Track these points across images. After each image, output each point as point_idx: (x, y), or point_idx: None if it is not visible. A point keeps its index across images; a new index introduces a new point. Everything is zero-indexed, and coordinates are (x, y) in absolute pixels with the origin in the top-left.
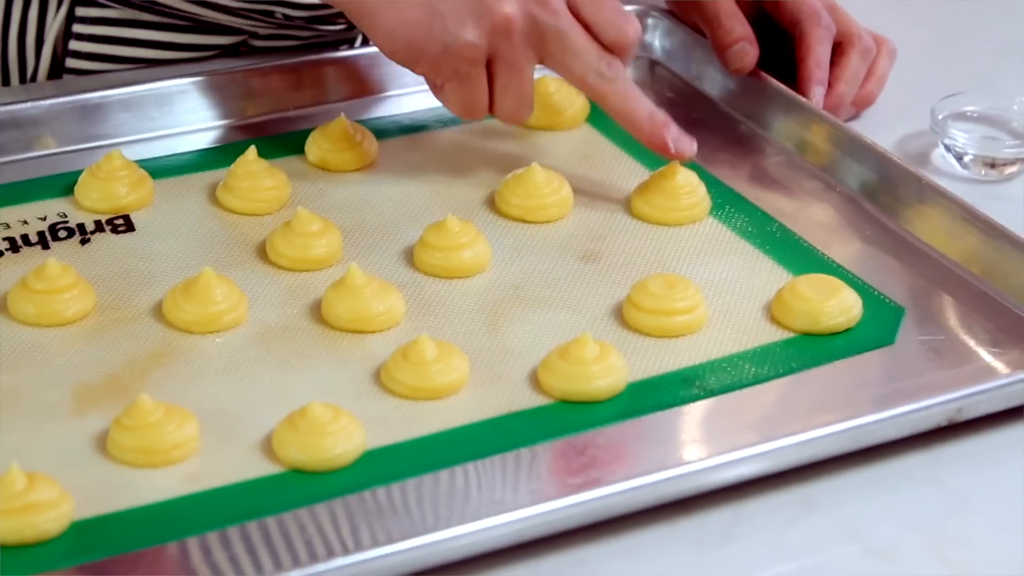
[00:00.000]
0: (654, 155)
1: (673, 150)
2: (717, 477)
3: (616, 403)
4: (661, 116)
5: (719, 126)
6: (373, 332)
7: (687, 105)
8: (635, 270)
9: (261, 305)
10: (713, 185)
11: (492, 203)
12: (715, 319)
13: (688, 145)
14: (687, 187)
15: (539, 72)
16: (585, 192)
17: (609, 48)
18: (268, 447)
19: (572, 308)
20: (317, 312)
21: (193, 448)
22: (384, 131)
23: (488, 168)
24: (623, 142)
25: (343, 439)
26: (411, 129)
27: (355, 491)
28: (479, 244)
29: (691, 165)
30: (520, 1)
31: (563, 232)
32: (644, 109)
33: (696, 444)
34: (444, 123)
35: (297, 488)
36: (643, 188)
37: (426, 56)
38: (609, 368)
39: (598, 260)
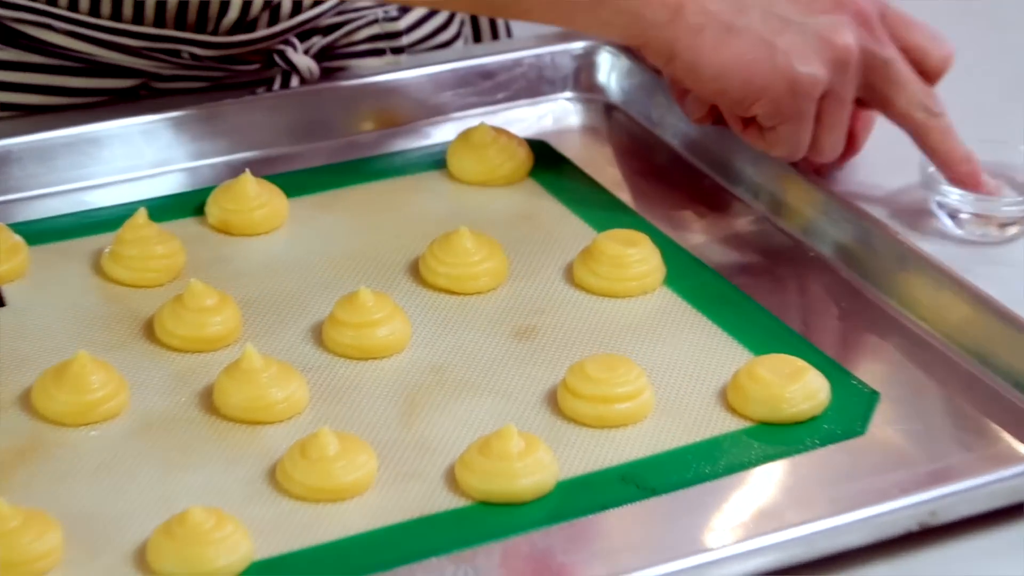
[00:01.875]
0: (604, 215)
1: (978, 186)
2: None
3: (543, 504)
4: (975, 156)
5: (681, 180)
6: (271, 423)
7: (646, 155)
8: (574, 349)
9: (145, 392)
10: (669, 249)
11: (415, 271)
12: (661, 406)
13: (995, 187)
14: (638, 254)
15: (476, 118)
16: (523, 258)
17: (927, 75)
18: (142, 558)
19: (500, 394)
20: (208, 400)
21: (55, 560)
22: (295, 188)
23: (412, 230)
24: (571, 200)
25: (227, 549)
26: (325, 185)
27: None
28: (396, 320)
29: (645, 226)
30: (855, 30)
31: (495, 305)
32: (963, 148)
33: (631, 552)
34: (362, 179)
35: None
36: (587, 254)
37: (768, 94)
38: (535, 464)
39: (533, 338)
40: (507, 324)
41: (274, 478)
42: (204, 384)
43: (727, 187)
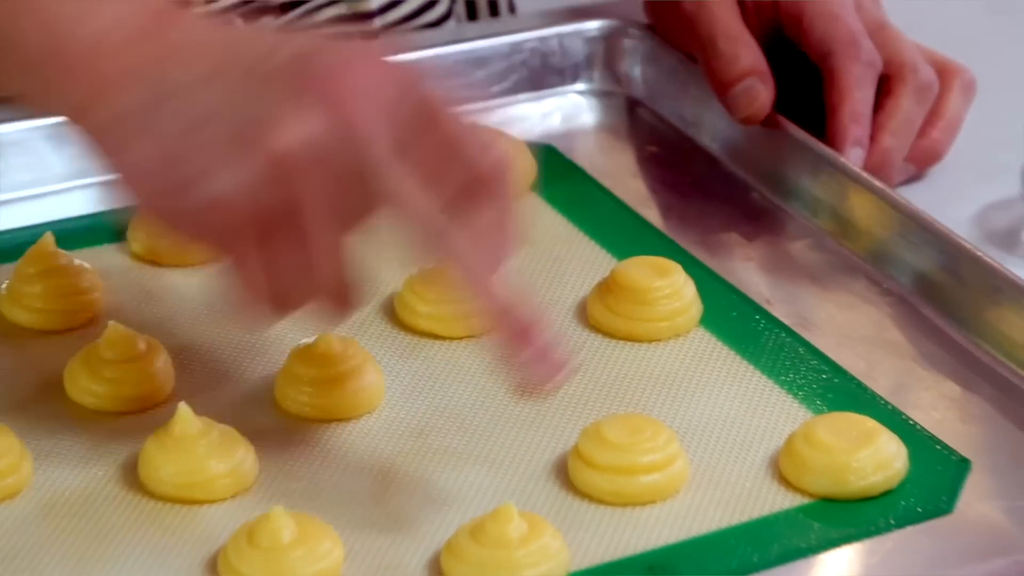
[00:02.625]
0: (626, 239)
1: (538, 370)
2: None
3: None
4: (525, 303)
5: (721, 193)
6: (211, 502)
7: (678, 162)
8: (588, 408)
9: (52, 465)
10: (706, 281)
11: (390, 311)
12: (697, 479)
13: (559, 372)
14: (667, 287)
15: None
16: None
17: (457, 192)
18: None
19: (496, 464)
20: (133, 474)
21: None
22: None
23: (385, 260)
24: (584, 219)
25: None
26: None
27: None
28: (368, 372)
29: (676, 252)
30: (306, 122)
31: (489, 352)
32: (500, 288)
33: None
34: None
35: None
36: (605, 288)
37: (179, 216)
38: (541, 553)
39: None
40: (504, 376)
41: (215, 572)
42: (127, 454)
43: (779, 203)
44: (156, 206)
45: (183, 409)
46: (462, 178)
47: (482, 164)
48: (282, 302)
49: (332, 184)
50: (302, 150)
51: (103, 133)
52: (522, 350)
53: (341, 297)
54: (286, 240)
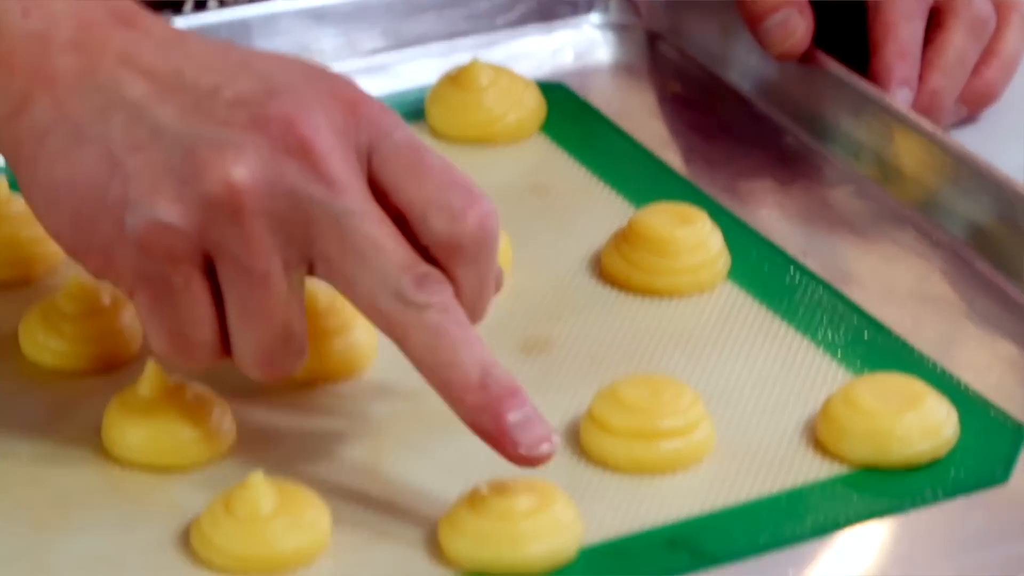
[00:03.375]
0: (645, 185)
1: (519, 446)
2: None
3: None
4: (502, 378)
5: (751, 136)
6: (182, 470)
7: (704, 102)
8: (603, 368)
9: (6, 428)
10: (735, 230)
11: None
12: (724, 445)
13: (545, 445)
14: (692, 236)
15: (466, 53)
16: (532, 244)
17: (434, 248)
18: None
19: None
20: (95, 438)
21: None
22: None
23: None
24: (599, 163)
25: None
26: None
27: None
28: (356, 329)
29: (701, 199)
30: (263, 155)
31: (493, 305)
32: (473, 361)
33: None
34: None
35: None
36: (622, 238)
37: (95, 243)
38: (550, 525)
39: (547, 352)
40: (510, 334)
41: (188, 544)
42: (90, 417)
43: (817, 147)
44: (76, 228)
45: (152, 367)
46: (443, 232)
47: (467, 220)
48: (210, 351)
49: (290, 226)
50: (261, 184)
51: (38, 137)
52: (509, 416)
53: (280, 353)
54: (224, 278)
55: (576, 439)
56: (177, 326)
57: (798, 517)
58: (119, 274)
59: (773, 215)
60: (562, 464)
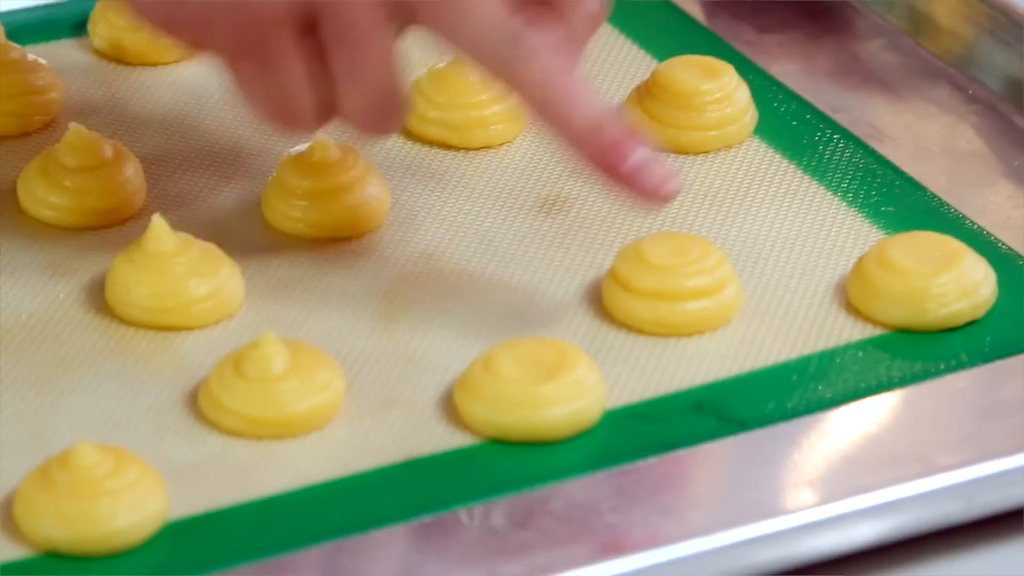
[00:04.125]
0: (667, 37)
1: (647, 181)
2: (747, 561)
3: (584, 444)
4: (618, 115)
5: None
6: (189, 329)
7: None
8: (624, 227)
9: (6, 285)
10: (762, 85)
11: None
12: (752, 306)
13: (674, 180)
14: (718, 90)
15: None
16: None
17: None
18: (6, 516)
19: (518, 289)
20: (99, 296)
21: None
22: None
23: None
24: (617, 15)
25: (129, 503)
26: None
27: None
28: (370, 184)
29: (726, 52)
30: None
31: (510, 164)
32: (590, 102)
33: (709, 508)
34: None
35: None
36: (644, 92)
37: (190, 15)
38: (572, 387)
39: (566, 210)
40: (527, 191)
41: (196, 406)
42: (92, 274)
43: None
44: (165, 2)
45: (157, 222)
46: None
47: None
48: (314, 114)
49: None
50: None
51: None
52: (625, 161)
53: (388, 107)
54: (330, 42)
55: (598, 300)
56: (280, 92)
57: (830, 380)
58: (217, 43)
59: (801, 70)
60: (583, 325)
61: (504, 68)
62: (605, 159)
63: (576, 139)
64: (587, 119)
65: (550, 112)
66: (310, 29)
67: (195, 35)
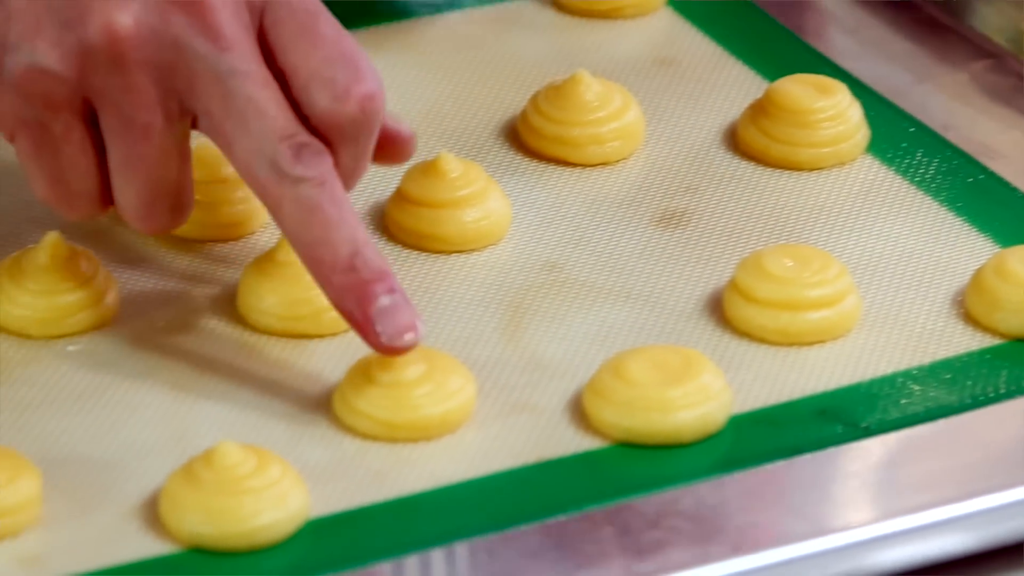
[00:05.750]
0: (777, 58)
1: (380, 334)
2: (874, 560)
3: (712, 447)
4: (372, 260)
5: (888, 8)
6: (319, 336)
7: None
8: (742, 240)
9: (138, 294)
10: (873, 104)
11: (511, 134)
12: (871, 317)
13: (408, 335)
14: (831, 107)
15: None
16: (664, 115)
17: (315, 122)
18: (153, 514)
19: (641, 299)
20: (229, 305)
21: (32, 516)
22: (346, 19)
23: (505, 78)
24: (726, 36)
25: (272, 501)
26: (377, 17)
27: None
28: (492, 198)
29: (836, 72)
30: (150, 5)
31: (628, 179)
32: (343, 240)
33: (841, 510)
34: (430, 8)
35: None
36: (759, 109)
37: None
38: (699, 392)
39: (684, 224)
40: (645, 206)
41: (330, 410)
42: (222, 284)
43: (955, 19)
44: None
45: None
46: (324, 108)
47: (349, 100)
48: (90, 200)
49: (174, 78)
50: (144, 33)
51: None
52: (370, 304)
53: (162, 205)
54: (106, 125)
55: (719, 310)
56: (58, 174)
57: (949, 388)
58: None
59: (912, 89)
60: (705, 334)
61: (267, 191)
62: (348, 300)
63: (322, 276)
64: (338, 259)
65: (302, 243)
66: (93, 116)
67: None
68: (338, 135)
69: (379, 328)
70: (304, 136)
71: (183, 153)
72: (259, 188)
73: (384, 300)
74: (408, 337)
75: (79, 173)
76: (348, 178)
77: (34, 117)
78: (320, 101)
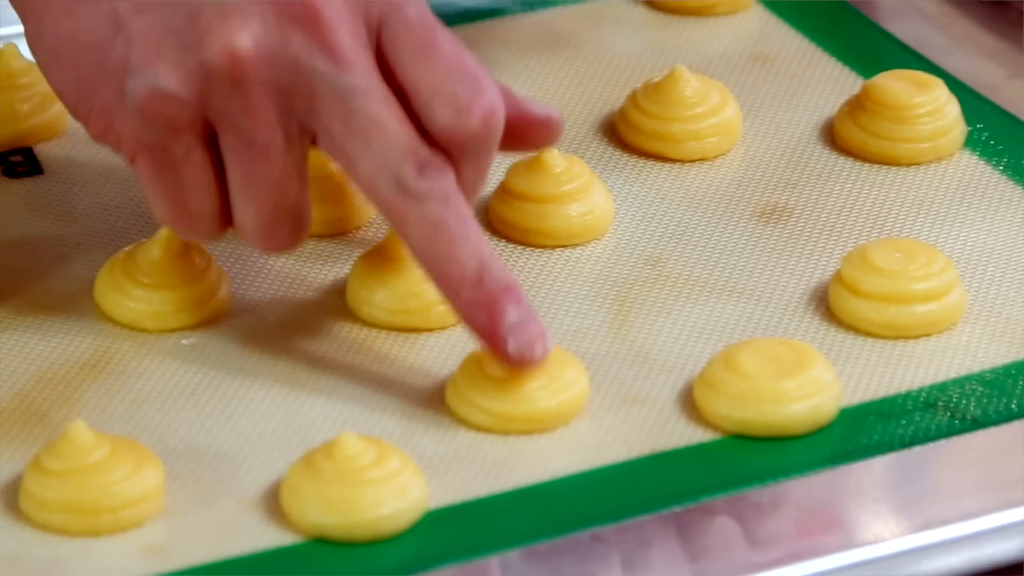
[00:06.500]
0: (870, 55)
1: (509, 346)
2: (990, 551)
3: (822, 439)
4: (499, 274)
5: (976, 4)
6: (428, 330)
7: None
8: (844, 235)
9: (249, 288)
10: (970, 101)
11: (610, 130)
12: (976, 310)
13: (538, 347)
14: (930, 103)
15: None
16: (761, 111)
17: (436, 138)
18: (274, 504)
19: (745, 293)
20: (338, 299)
21: (156, 506)
22: (443, 18)
23: (600, 75)
24: (820, 34)
25: (393, 492)
26: (476, 14)
27: (414, 574)
28: (595, 193)
29: (931, 68)
30: (270, 25)
31: (727, 175)
32: (469, 256)
33: (956, 501)
34: (522, 6)
35: (322, 569)
36: (857, 105)
37: (96, 106)
38: (812, 384)
39: (785, 219)
40: (746, 201)
41: (442, 403)
42: (330, 279)
43: None
44: (78, 89)
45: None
46: (446, 124)
47: (471, 115)
48: (211, 222)
49: (294, 98)
50: (264, 54)
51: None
52: (504, 315)
53: (281, 225)
54: (227, 147)
55: (824, 303)
56: (178, 195)
57: None
58: (120, 140)
59: (1004, 84)
60: (811, 327)
61: (392, 208)
62: (478, 315)
63: (451, 291)
64: (466, 274)
65: (429, 259)
66: (213, 137)
67: (99, 127)
68: (460, 151)
69: (510, 342)
70: (427, 152)
71: (302, 173)
72: (384, 205)
73: (513, 314)
74: (537, 349)
75: (199, 194)
76: (469, 193)
77: (155, 140)
78: (442, 116)
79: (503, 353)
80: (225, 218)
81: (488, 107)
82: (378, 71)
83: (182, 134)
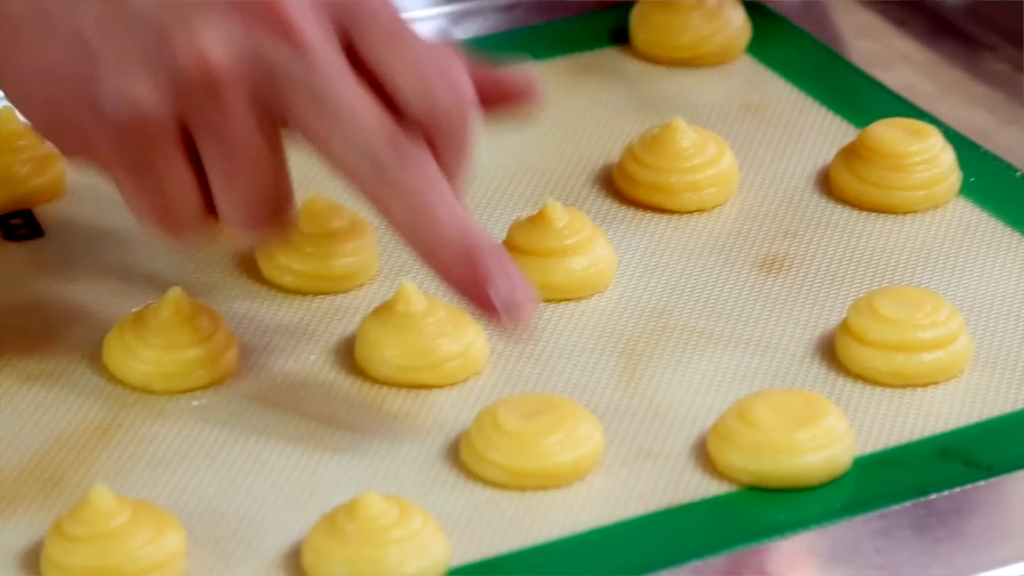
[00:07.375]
0: (861, 104)
1: (499, 306)
2: None
3: (838, 489)
4: (478, 232)
5: (964, 56)
6: (439, 386)
7: (916, 19)
8: (846, 284)
9: (258, 347)
10: (963, 148)
11: (607, 182)
12: (982, 358)
13: (525, 306)
14: (925, 151)
15: None
16: (756, 162)
17: (410, 118)
18: (295, 566)
19: (751, 344)
20: (347, 357)
21: (178, 570)
22: None
23: (593, 127)
24: (809, 83)
25: (416, 551)
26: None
27: None
28: (598, 246)
29: (926, 118)
30: (236, 30)
31: (725, 225)
32: (451, 223)
33: (977, 550)
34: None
35: None
36: (852, 153)
37: (72, 128)
38: (826, 435)
39: (786, 269)
40: (746, 251)
41: (456, 459)
42: (338, 336)
43: None
44: (51, 115)
45: (407, 285)
46: (419, 99)
47: (442, 88)
48: (196, 219)
49: (267, 98)
50: (235, 58)
51: (13, 28)
52: (489, 272)
53: (266, 207)
54: (204, 148)
55: (830, 353)
56: (160, 198)
57: None
58: (95, 153)
59: (996, 131)
60: (819, 377)
61: (371, 189)
62: (456, 269)
63: (431, 255)
64: (445, 235)
65: (409, 230)
66: (187, 139)
67: (75, 147)
68: (435, 128)
69: (496, 299)
70: (400, 133)
71: (279, 157)
72: (363, 187)
73: (497, 271)
74: (520, 296)
75: (181, 193)
76: (452, 176)
77: (133, 152)
78: (413, 96)
79: (492, 310)
80: (208, 214)
81: (457, 81)
82: (346, 60)
83: (161, 144)
